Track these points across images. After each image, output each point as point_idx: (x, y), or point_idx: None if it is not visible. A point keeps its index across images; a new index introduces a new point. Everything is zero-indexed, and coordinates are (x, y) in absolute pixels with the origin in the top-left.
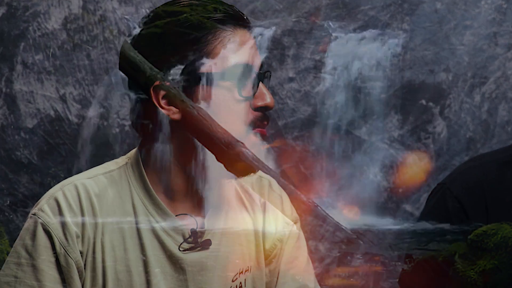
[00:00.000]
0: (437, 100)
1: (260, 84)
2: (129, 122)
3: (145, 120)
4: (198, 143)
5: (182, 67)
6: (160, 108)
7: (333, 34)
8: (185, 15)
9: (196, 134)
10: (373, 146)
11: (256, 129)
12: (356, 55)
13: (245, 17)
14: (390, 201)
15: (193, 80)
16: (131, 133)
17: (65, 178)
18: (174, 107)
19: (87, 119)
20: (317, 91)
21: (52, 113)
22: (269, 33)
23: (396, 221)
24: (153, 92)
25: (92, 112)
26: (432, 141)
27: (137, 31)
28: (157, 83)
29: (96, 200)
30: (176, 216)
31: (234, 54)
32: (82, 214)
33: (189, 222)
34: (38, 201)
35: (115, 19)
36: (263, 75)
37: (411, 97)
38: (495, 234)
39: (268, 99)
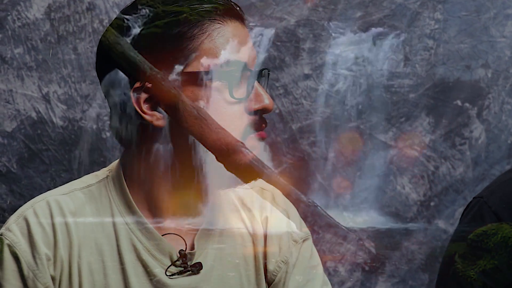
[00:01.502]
0: (475, 101)
1: (256, 84)
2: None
3: (126, 127)
4: (186, 154)
5: (182, 67)
6: (141, 114)
7: (355, 26)
8: (185, 15)
9: (195, 134)
10: (401, 153)
11: (255, 133)
12: (380, 48)
13: (237, 8)
14: (420, 216)
15: (181, 80)
16: None
17: (49, 189)
18: (159, 112)
19: (74, 121)
20: (336, 89)
21: (33, 114)
22: (269, 33)
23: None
24: (133, 95)
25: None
26: (469, 148)
27: (137, 31)
28: (137, 85)
29: (71, 218)
30: (162, 235)
31: (224, 50)
32: (55, 235)
33: (178, 243)
34: (7, 221)
35: (105, 8)
36: (259, 74)
37: (444, 96)
38: (495, 234)
39: (265, 100)
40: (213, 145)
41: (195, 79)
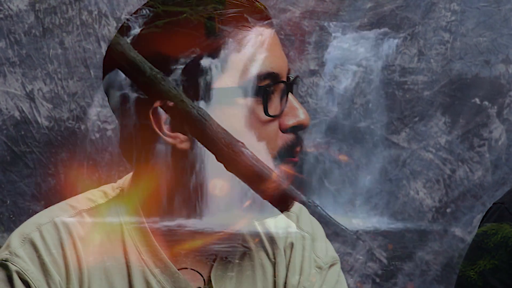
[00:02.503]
0: (494, 98)
1: (290, 96)
2: (112, 126)
3: (141, 149)
4: (208, 180)
5: (182, 67)
6: (162, 136)
7: (365, 18)
8: (185, 14)
9: (196, 135)
10: (415, 155)
11: (288, 158)
12: (392, 42)
13: (264, 9)
14: (435, 224)
15: (208, 96)
16: (114, 140)
17: (33, 195)
18: (182, 133)
19: (60, 121)
20: (345, 87)
21: (17, 114)
22: (269, 32)
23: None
24: (153, 115)
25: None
26: (488, 149)
27: (137, 31)
28: (157, 104)
29: (81, 245)
30: (178, 270)
31: (256, 61)
32: (66, 264)
33: (194, 277)
34: (6, 243)
35: None
36: (292, 84)
37: (461, 94)
38: (495, 234)
39: (301, 115)
40: (213, 145)
41: (224, 96)
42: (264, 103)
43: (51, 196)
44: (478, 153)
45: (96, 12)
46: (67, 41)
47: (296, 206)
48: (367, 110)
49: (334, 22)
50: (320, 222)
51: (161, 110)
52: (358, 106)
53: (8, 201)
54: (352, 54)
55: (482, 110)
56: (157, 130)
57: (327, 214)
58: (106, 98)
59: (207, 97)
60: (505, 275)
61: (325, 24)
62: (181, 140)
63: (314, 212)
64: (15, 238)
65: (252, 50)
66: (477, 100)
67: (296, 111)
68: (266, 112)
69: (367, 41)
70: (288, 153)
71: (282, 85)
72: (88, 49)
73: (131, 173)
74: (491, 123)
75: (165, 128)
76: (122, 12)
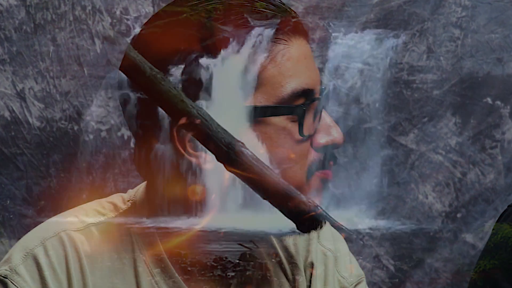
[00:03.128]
0: (507, 98)
1: (323, 112)
2: (106, 127)
3: (159, 165)
4: (228, 200)
5: (183, 66)
6: (186, 156)
7: (372, 14)
8: (184, 15)
9: (196, 135)
10: (424, 157)
11: (320, 172)
12: (400, 39)
13: (300, 21)
14: (445, 229)
15: (240, 114)
16: (109, 141)
17: (24, 199)
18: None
19: (52, 122)
20: (350, 85)
21: (7, 114)
22: (269, 33)
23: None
24: (177, 134)
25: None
26: (500, 151)
27: (137, 31)
28: (182, 121)
29: (87, 263)
30: None
31: (291, 77)
32: (70, 282)
33: None
34: (6, 256)
35: None
36: (325, 98)
37: (472, 93)
38: (495, 234)
39: (335, 133)
40: (213, 145)
41: (256, 114)
42: (300, 123)
43: (42, 200)
44: (490, 155)
45: (90, 8)
46: (59, 38)
47: None
48: (373, 110)
49: (338, 18)
50: (319, 222)
51: (185, 128)
52: (364, 106)
53: (2, 221)
54: (358, 51)
55: (494, 110)
56: (180, 149)
57: (327, 214)
58: (101, 98)
59: (241, 113)
60: (505, 275)
61: (329, 19)
62: (204, 160)
63: (314, 212)
64: (17, 253)
65: (287, 65)
66: (489, 100)
67: (330, 129)
68: (301, 133)
69: (373, 38)
70: (319, 167)
71: (317, 102)
72: (81, 46)
73: (143, 185)
74: (503, 124)
75: (189, 147)
76: (117, 7)
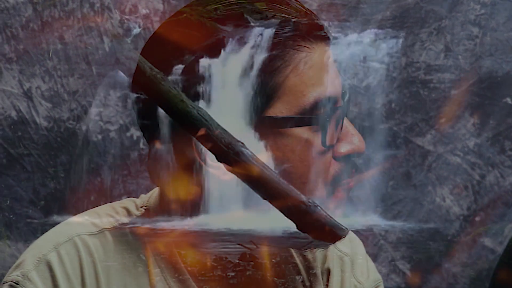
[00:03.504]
0: None
1: (345, 120)
2: (115, 127)
3: (177, 169)
4: (245, 207)
5: (183, 67)
6: (205, 167)
7: (388, 11)
8: (185, 15)
9: (195, 135)
10: (441, 159)
11: (344, 181)
12: (417, 37)
13: (321, 23)
14: (463, 233)
15: (259, 125)
16: (118, 141)
17: (31, 201)
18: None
19: (60, 122)
20: (365, 85)
21: (13, 114)
22: (269, 33)
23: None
24: (196, 144)
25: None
26: None
27: (137, 31)
28: (201, 132)
29: (101, 268)
30: None
31: (314, 85)
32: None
33: None
34: (18, 261)
35: None
36: (347, 106)
37: (491, 93)
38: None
39: (356, 141)
40: (213, 145)
41: (278, 126)
42: (323, 134)
43: (50, 202)
44: (510, 157)
45: (98, 5)
46: (67, 36)
47: None
48: (390, 110)
49: (353, 16)
50: (320, 222)
51: (207, 138)
52: (380, 106)
53: (4, 207)
54: (373, 50)
55: None
56: (199, 159)
57: (327, 214)
58: (109, 97)
59: (259, 123)
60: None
61: (344, 17)
62: (224, 172)
63: (314, 212)
64: (30, 258)
65: (310, 73)
66: (509, 100)
67: (351, 138)
68: (324, 143)
69: (389, 36)
70: (342, 178)
71: (339, 110)
72: (90, 44)
73: (156, 191)
74: None
75: (208, 158)
76: (126, 4)
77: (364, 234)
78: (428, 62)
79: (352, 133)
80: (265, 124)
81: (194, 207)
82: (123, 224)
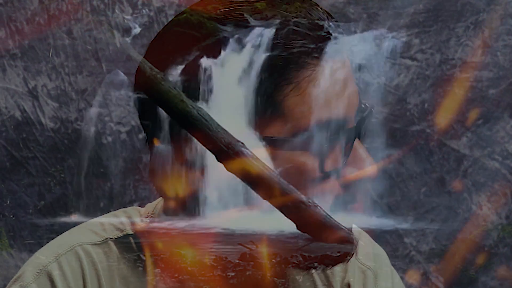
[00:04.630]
0: None
1: (356, 142)
2: (126, 128)
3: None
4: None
5: (183, 67)
6: (207, 168)
7: (421, 4)
8: (184, 15)
9: (195, 135)
10: (478, 164)
11: (350, 206)
12: (452, 32)
13: (337, 35)
14: (501, 244)
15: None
16: (129, 144)
17: (36, 207)
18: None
19: (67, 123)
20: (396, 84)
21: (17, 114)
22: (269, 33)
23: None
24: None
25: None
26: None
27: (137, 30)
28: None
29: (105, 279)
30: None
31: (319, 105)
32: None
33: None
34: (18, 273)
35: None
36: (361, 124)
37: None
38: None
39: (367, 166)
40: (213, 145)
41: (275, 147)
42: (320, 160)
43: (56, 208)
44: None
45: None
46: (75, 31)
47: (354, 230)
48: (422, 111)
49: (383, 9)
50: (320, 222)
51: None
52: (412, 106)
53: (8, 214)
54: (405, 46)
55: None
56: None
57: (328, 215)
58: (120, 96)
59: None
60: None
61: (374, 10)
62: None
63: (314, 212)
64: (30, 270)
65: (314, 92)
66: None
67: (362, 163)
68: (321, 169)
69: (422, 31)
70: (350, 203)
71: (351, 132)
72: (99, 40)
73: (160, 201)
74: None
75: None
76: None
77: (393, 245)
78: (464, 59)
79: (363, 156)
80: (265, 144)
81: (194, 207)
82: (127, 235)
